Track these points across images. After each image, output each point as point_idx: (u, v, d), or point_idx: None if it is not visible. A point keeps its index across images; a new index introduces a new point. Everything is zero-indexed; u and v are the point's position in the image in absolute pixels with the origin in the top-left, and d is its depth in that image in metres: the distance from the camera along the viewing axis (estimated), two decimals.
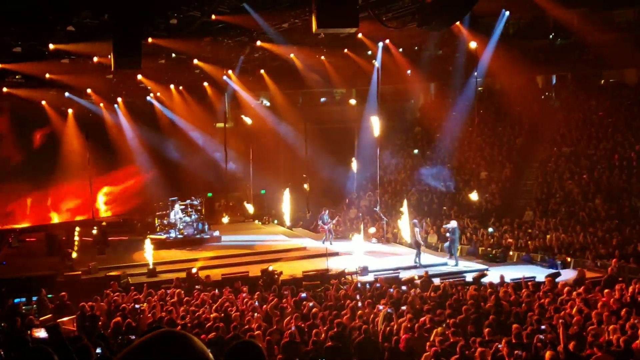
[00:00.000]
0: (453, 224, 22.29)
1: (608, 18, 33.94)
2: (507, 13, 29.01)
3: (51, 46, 21.23)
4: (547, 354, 9.47)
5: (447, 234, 22.36)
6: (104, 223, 27.83)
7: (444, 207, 28.80)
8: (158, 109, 34.11)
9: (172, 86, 32.76)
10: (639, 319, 11.88)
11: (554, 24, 33.84)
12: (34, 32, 20.22)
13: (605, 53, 31.37)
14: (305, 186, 28.93)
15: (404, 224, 22.45)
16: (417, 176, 31.24)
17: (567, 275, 18.71)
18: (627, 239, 22.40)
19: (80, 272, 20.75)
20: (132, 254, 23.43)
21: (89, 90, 30.53)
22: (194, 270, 19.38)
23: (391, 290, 15.60)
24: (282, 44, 25.05)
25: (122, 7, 13.24)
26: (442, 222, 25.93)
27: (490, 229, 25.40)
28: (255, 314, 13.70)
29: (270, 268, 19.24)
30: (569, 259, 22.00)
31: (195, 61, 27.46)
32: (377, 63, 29.36)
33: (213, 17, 20.16)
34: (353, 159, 31.01)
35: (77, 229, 27.60)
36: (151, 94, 33.58)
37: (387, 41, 28.42)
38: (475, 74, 28.99)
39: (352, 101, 35.10)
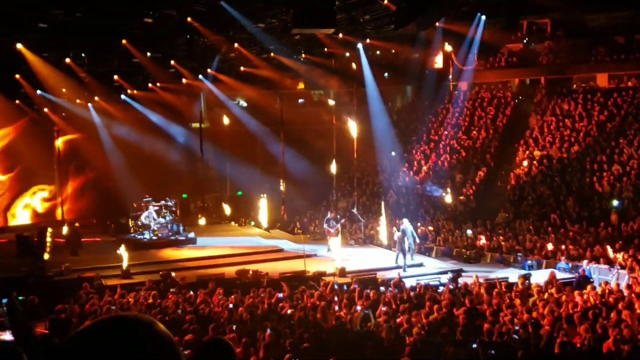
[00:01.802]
0: (405, 224, 22.21)
1: (581, 23, 34.48)
2: (483, 17, 29.30)
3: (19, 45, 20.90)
4: (519, 353, 9.59)
5: (397, 234, 22.01)
6: (76, 224, 27.48)
7: (421, 209, 28.99)
8: (133, 108, 33.87)
9: (149, 85, 32.54)
10: (609, 319, 12.08)
11: (527, 29, 34.28)
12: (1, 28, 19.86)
13: (578, 57, 31.88)
14: (282, 188, 28.89)
15: (383, 225, 22.52)
16: (395, 179, 31.40)
17: (539, 276, 18.93)
18: (597, 240, 22.74)
19: (52, 274, 20.47)
20: (106, 255, 23.16)
21: (63, 90, 30.20)
22: (171, 272, 19.26)
23: (368, 291, 15.66)
24: (259, 43, 25.00)
25: (96, 5, 13.13)
26: (423, 224, 26.14)
27: (469, 231, 25.62)
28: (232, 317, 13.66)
29: (251, 270, 19.19)
30: (541, 260, 22.28)
31: (172, 62, 27.31)
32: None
33: (189, 18, 20.07)
34: (332, 159, 31.07)
35: (49, 230, 27.21)
36: (128, 92, 33.30)
37: (368, 41, 28.46)
38: (450, 77, 29.21)
39: (331, 102, 35.15)
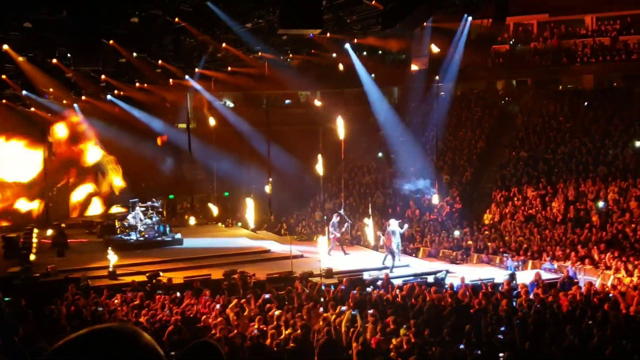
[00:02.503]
0: (393, 224, 22.24)
1: (567, 24, 34.73)
2: (470, 18, 29.34)
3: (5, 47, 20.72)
4: (505, 354, 9.63)
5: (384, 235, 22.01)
6: (62, 225, 27.30)
7: (407, 210, 29.06)
8: (120, 108, 33.70)
9: (136, 84, 32.37)
10: (594, 319, 12.16)
11: (514, 30, 34.46)
12: None
13: (564, 59, 32.10)
14: (268, 189, 28.82)
15: (370, 226, 22.54)
16: (381, 180, 31.43)
17: (525, 276, 19.02)
18: (582, 241, 22.90)
19: (39, 275, 20.33)
20: (92, 256, 23.03)
21: (51, 90, 29.99)
22: (158, 273, 19.18)
23: (354, 292, 15.66)
24: (245, 44, 24.90)
25: (82, 4, 13.02)
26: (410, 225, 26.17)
27: (456, 232, 25.72)
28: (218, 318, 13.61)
29: (238, 271, 19.14)
30: (526, 261, 22.40)
31: (159, 62, 27.14)
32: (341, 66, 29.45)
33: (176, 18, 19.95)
34: (319, 160, 31.04)
35: (35, 231, 27.05)
36: (115, 91, 33.12)
37: (355, 40, 28.42)
38: (437, 78, 29.27)
39: (317, 102, 35.14)
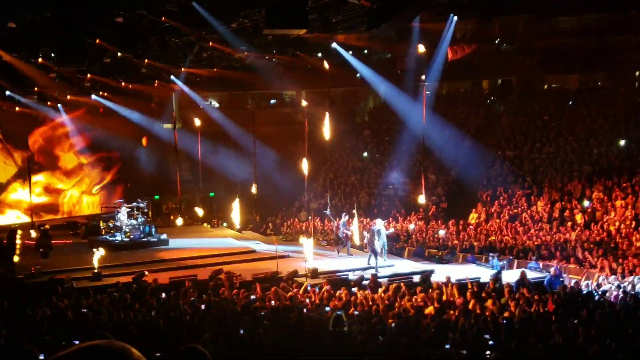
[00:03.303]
0: (379, 224, 22.24)
1: (552, 25, 34.93)
2: (455, 18, 29.46)
3: None
4: (491, 353, 9.66)
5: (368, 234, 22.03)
6: (46, 226, 27.09)
7: (393, 210, 29.12)
8: (105, 108, 33.55)
9: (122, 84, 32.23)
10: (579, 318, 12.23)
11: (500, 30, 34.59)
12: None
13: (549, 59, 32.30)
14: (254, 189, 28.78)
15: (355, 226, 22.54)
16: (367, 179, 31.46)
17: (510, 275, 19.10)
18: (568, 240, 23.04)
19: (23, 276, 20.15)
20: (77, 257, 22.86)
21: (35, 89, 29.80)
22: (143, 273, 19.07)
23: (340, 292, 15.66)
24: (231, 44, 24.85)
25: (66, 5, 12.93)
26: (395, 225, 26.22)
27: (441, 232, 25.79)
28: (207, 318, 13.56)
29: (223, 270, 19.08)
30: (512, 260, 22.49)
31: (144, 62, 27.02)
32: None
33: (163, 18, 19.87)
34: (304, 160, 31.04)
35: (19, 232, 26.82)
36: (100, 93, 32.96)
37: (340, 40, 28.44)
38: (423, 77, 29.33)
39: (304, 102, 35.15)
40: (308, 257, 21.05)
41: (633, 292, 15.71)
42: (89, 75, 28.34)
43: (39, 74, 25.93)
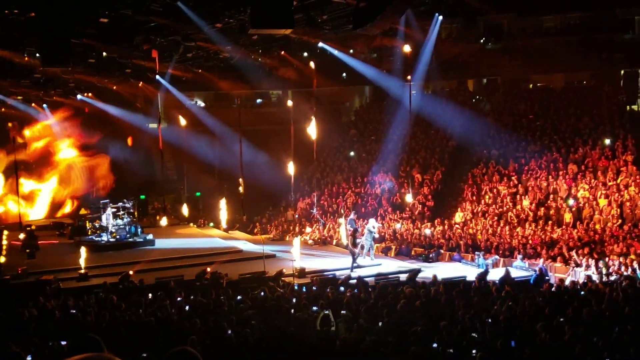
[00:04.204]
0: (371, 223, 22.28)
1: (537, 23, 35.09)
2: (440, 17, 29.53)
3: None
4: (478, 353, 9.71)
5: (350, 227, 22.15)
6: (33, 227, 26.91)
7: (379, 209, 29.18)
8: (90, 108, 33.39)
9: (107, 83, 32.06)
10: (565, 316, 12.30)
11: (484, 29, 34.70)
12: None
13: (534, 58, 32.45)
14: (240, 189, 28.71)
15: (342, 226, 22.61)
16: (353, 179, 31.50)
17: (496, 274, 19.21)
18: (553, 239, 23.19)
19: (9, 277, 20.02)
20: (63, 258, 22.74)
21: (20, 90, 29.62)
22: (129, 274, 18.99)
23: (328, 291, 15.67)
24: (216, 44, 24.78)
25: (50, 3, 12.83)
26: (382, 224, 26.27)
27: (427, 231, 25.89)
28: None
29: (208, 269, 19.05)
30: (497, 259, 22.63)
31: (129, 62, 26.89)
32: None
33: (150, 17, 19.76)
34: (291, 159, 31.02)
35: (5, 232, 26.63)
36: (85, 94, 32.77)
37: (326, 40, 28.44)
38: (409, 77, 29.40)
39: (289, 102, 35.12)
40: (295, 256, 21.08)
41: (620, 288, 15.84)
42: (73, 75, 28.18)
43: (23, 74, 25.74)
